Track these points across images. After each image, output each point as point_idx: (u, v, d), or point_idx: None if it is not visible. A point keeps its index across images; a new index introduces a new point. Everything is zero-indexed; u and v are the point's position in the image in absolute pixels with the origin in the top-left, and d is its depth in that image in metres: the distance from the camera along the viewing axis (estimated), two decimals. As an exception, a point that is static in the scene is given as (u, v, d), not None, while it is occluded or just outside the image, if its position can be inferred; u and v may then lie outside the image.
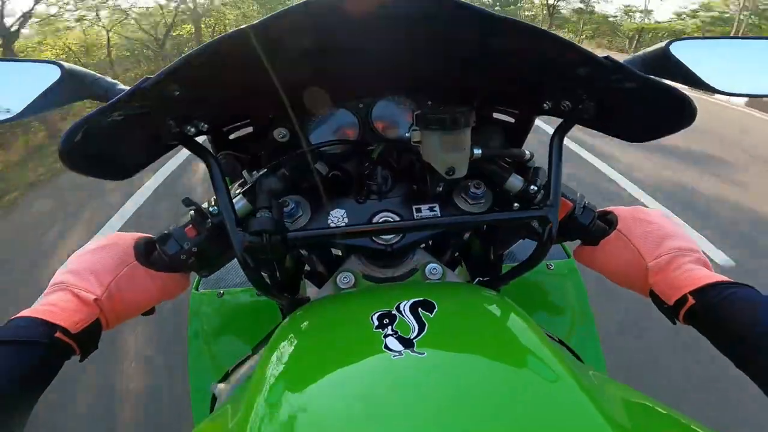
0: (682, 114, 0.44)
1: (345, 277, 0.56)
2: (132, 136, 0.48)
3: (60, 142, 0.41)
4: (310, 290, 0.73)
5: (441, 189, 0.54)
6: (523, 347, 0.39)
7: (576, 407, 0.32)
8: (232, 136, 0.63)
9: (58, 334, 0.40)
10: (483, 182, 0.56)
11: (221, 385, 0.58)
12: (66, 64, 0.54)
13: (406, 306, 0.42)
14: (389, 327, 0.39)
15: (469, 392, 0.32)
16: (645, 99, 0.46)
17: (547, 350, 0.38)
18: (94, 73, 0.56)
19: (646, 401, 0.38)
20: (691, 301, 0.44)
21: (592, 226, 0.54)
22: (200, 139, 0.57)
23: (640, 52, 0.55)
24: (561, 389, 0.34)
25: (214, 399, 0.60)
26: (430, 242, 0.70)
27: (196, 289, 0.81)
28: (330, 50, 0.49)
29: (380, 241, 0.54)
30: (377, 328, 0.40)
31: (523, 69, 0.51)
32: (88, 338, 0.44)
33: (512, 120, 0.63)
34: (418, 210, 0.55)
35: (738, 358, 0.41)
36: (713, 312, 0.42)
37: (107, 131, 0.44)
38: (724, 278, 0.45)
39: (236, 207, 0.52)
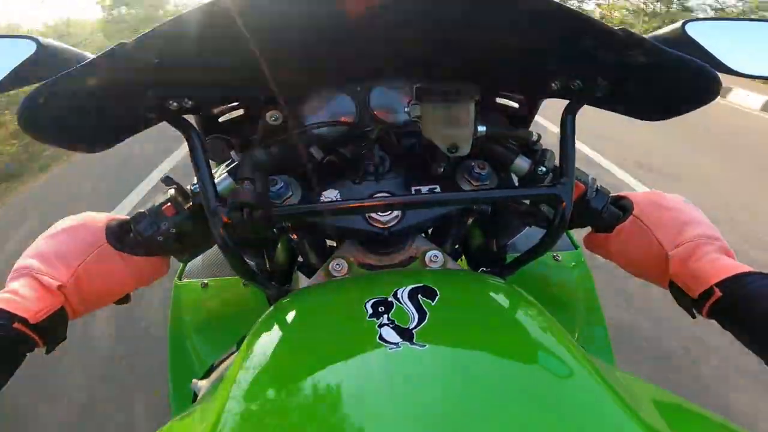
0: (704, 88, 0.41)
1: (338, 264, 0.52)
2: (107, 105, 0.44)
3: (20, 104, 0.37)
4: (303, 283, 0.69)
5: (442, 169, 0.51)
6: (534, 339, 0.36)
7: (593, 402, 0.28)
8: (221, 119, 0.60)
9: (16, 325, 0.37)
10: (488, 163, 0.52)
11: (203, 382, 0.54)
12: (43, 39, 0.51)
13: (404, 293, 0.38)
14: (385, 316, 0.35)
15: (476, 390, 0.29)
16: (663, 74, 0.42)
17: (560, 342, 0.34)
18: (73, 48, 0.52)
19: (665, 396, 0.34)
20: (717, 293, 0.40)
21: (605, 212, 0.51)
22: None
23: (655, 33, 0.52)
24: (576, 384, 0.30)
25: (195, 397, 0.56)
26: (430, 231, 0.66)
27: (179, 279, 0.76)
28: (327, 30, 0.46)
29: (376, 224, 0.50)
30: (371, 316, 0.36)
31: (531, 46, 0.48)
32: (51, 329, 0.41)
33: (516, 105, 0.60)
34: (418, 192, 0.51)
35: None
36: (741, 305, 0.39)
37: (78, 97, 0.40)
38: (750, 268, 0.42)
39: (221, 186, 0.48)
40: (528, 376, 0.31)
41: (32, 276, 0.41)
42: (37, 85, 0.50)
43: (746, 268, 0.41)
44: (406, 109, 0.47)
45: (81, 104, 0.41)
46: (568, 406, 0.28)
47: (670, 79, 0.43)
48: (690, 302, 0.44)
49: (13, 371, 0.38)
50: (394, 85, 0.58)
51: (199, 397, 0.53)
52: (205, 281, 0.74)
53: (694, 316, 0.45)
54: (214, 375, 0.55)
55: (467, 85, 0.43)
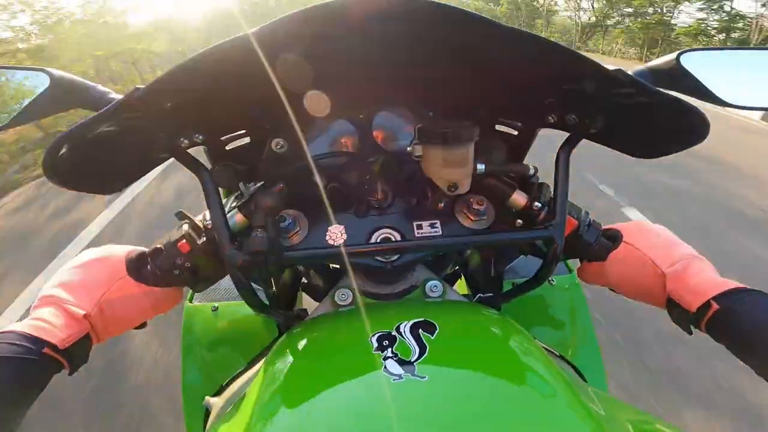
0: (694, 129, 0.43)
1: (343, 294, 0.54)
2: (122, 149, 0.46)
3: (44, 157, 0.39)
4: (307, 302, 0.71)
5: (442, 205, 0.53)
6: (526, 370, 0.38)
7: (578, 426, 0.31)
8: (228, 147, 0.61)
9: (46, 350, 0.40)
10: (485, 197, 0.54)
11: (215, 399, 0.57)
12: (55, 72, 0.52)
13: (406, 327, 0.41)
14: (389, 349, 0.38)
15: (472, 418, 0.31)
16: (656, 113, 0.44)
17: (551, 373, 0.37)
18: (84, 80, 0.54)
19: (650, 421, 0.37)
20: (714, 306, 0.43)
21: (597, 244, 0.53)
22: (197, 148, 0.55)
23: (650, 63, 0.53)
24: (566, 414, 0.33)
25: (207, 413, 0.58)
26: (431, 257, 0.68)
27: (190, 302, 0.79)
28: (330, 59, 0.47)
29: (380, 258, 0.53)
30: (377, 350, 0.39)
31: (528, 80, 0.50)
32: (77, 353, 0.44)
33: (515, 132, 0.61)
34: (419, 227, 0.53)
35: (761, 366, 0.40)
36: (737, 319, 0.41)
37: (95, 144, 0.42)
38: (741, 284, 0.44)
39: (231, 221, 0.51)
40: (518, 405, 0.33)
41: (59, 305, 0.44)
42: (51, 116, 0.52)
43: (737, 284, 0.44)
44: (408, 149, 0.48)
45: (98, 151, 0.44)
46: (551, 427, 0.31)
47: (662, 119, 0.44)
48: (687, 317, 0.46)
49: (40, 392, 0.40)
50: (395, 113, 0.59)
51: (211, 414, 0.56)
52: (216, 305, 0.77)
53: (690, 332, 0.48)
54: (225, 393, 0.57)
55: (468, 128, 0.45)
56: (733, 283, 0.44)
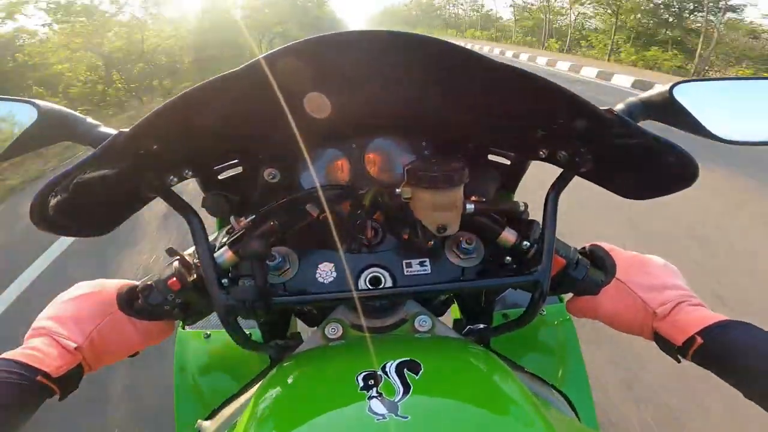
0: (684, 173, 0.43)
1: (333, 328, 0.54)
2: (109, 192, 0.46)
3: (31, 205, 0.39)
4: (301, 325, 0.71)
5: (432, 243, 0.53)
6: (508, 409, 0.39)
7: None
8: (221, 177, 0.61)
9: (39, 378, 0.42)
10: (475, 235, 0.54)
11: (207, 423, 0.58)
12: (42, 104, 0.52)
13: (392, 366, 0.41)
14: (374, 389, 0.39)
15: None
16: (647, 155, 0.44)
17: (533, 412, 0.37)
18: (73, 112, 0.53)
19: None
20: (699, 341, 0.45)
21: (584, 280, 0.53)
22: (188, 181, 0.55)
23: (642, 95, 0.52)
24: None
25: None
26: None
27: (183, 328, 0.80)
28: (322, 90, 0.47)
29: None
30: (362, 389, 0.39)
31: (520, 116, 0.49)
32: (69, 381, 0.45)
33: (508, 162, 0.60)
34: (409, 265, 0.53)
35: (749, 392, 0.42)
36: (721, 349, 0.44)
37: (81, 189, 0.42)
38: (726, 317, 0.46)
39: (221, 259, 0.51)
40: None
41: (51, 337, 0.45)
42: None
43: (721, 317, 0.46)
44: (398, 190, 0.49)
45: (85, 195, 0.44)
46: None
47: (651, 161, 0.44)
48: (675, 349, 0.48)
49: (31, 416, 0.42)
50: (387, 143, 0.59)
51: None
52: (208, 332, 0.78)
53: (679, 361, 0.49)
54: (217, 417, 0.58)
55: (458, 171, 0.45)
56: (717, 317, 0.46)
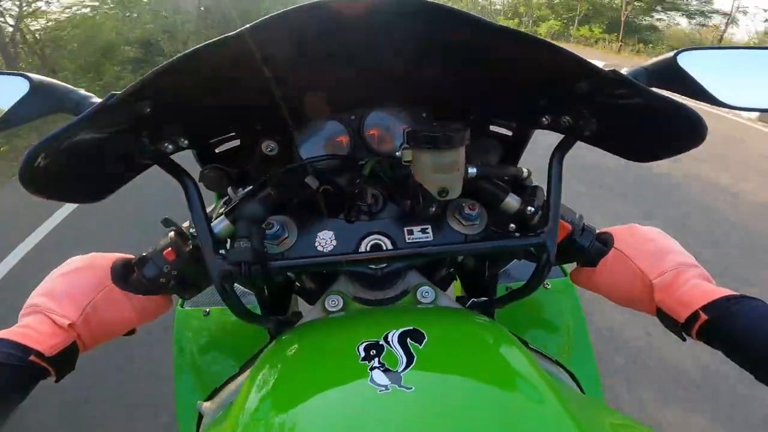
0: (692, 133, 0.42)
1: (333, 300, 0.53)
2: (102, 157, 0.45)
3: (20, 167, 0.38)
4: (303, 304, 0.71)
5: (433, 209, 0.52)
6: (515, 381, 0.38)
7: None
8: (218, 150, 0.60)
9: (32, 358, 0.40)
10: (478, 202, 0.53)
11: (208, 404, 0.57)
12: (34, 76, 0.51)
13: (394, 336, 0.40)
14: (376, 359, 0.38)
15: (457, 430, 0.31)
16: (652, 116, 0.43)
17: (541, 384, 0.36)
18: (65, 84, 0.52)
19: (638, 427, 0.37)
20: (703, 317, 0.43)
21: (591, 248, 0.52)
22: (185, 153, 0.54)
23: (646, 63, 0.52)
24: (556, 425, 0.32)
25: (200, 417, 0.58)
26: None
27: (182, 306, 0.78)
28: (320, 58, 0.46)
29: (370, 266, 0.52)
30: (363, 359, 0.38)
31: (522, 81, 0.48)
32: (64, 360, 0.44)
33: (509, 133, 0.60)
34: (410, 232, 0.52)
35: (758, 373, 0.40)
36: (727, 327, 0.42)
37: (73, 152, 0.41)
38: (731, 291, 0.44)
39: (218, 228, 0.50)
40: (505, 416, 0.33)
41: (44, 314, 0.44)
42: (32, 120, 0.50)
43: (727, 292, 0.44)
44: (397, 153, 0.47)
45: (77, 159, 0.42)
46: None
47: (657, 122, 0.43)
48: (678, 326, 0.46)
49: (24, 397, 0.41)
50: (387, 113, 0.58)
51: (204, 419, 0.55)
52: (207, 310, 0.77)
53: (684, 339, 0.48)
54: (218, 397, 0.57)
55: (458, 132, 0.44)
56: (723, 291, 0.44)
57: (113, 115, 0.40)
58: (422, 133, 0.44)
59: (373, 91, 0.56)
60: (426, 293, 0.53)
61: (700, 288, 0.45)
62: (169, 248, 0.49)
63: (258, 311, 0.69)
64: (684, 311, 0.45)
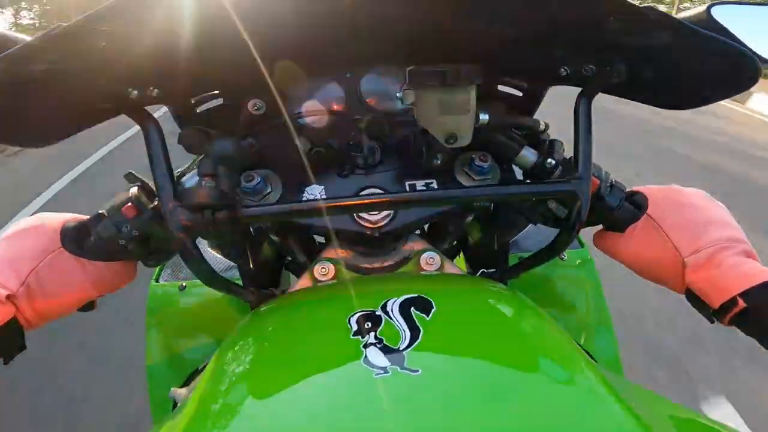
0: (740, 73, 0.37)
1: (324, 268, 0.47)
2: (52, 97, 0.39)
3: None
4: (293, 283, 0.64)
5: (439, 162, 0.46)
6: (541, 356, 0.31)
7: (600, 419, 0.25)
8: (199, 109, 0.54)
9: None
10: (490, 155, 0.47)
11: (182, 391, 0.50)
12: None
13: (395, 305, 0.34)
14: (372, 333, 0.31)
15: (481, 424, 0.24)
16: (692, 57, 0.38)
17: (569, 357, 0.31)
18: (19, 35, 0.46)
19: (674, 408, 0.32)
20: (741, 304, 0.37)
21: (620, 209, 0.46)
22: (163, 111, 0.48)
23: (677, 16, 0.48)
24: (606, 411, 0.26)
25: (175, 405, 0.52)
26: (426, 229, 0.61)
27: (156, 281, 0.71)
28: (314, 11, 0.41)
29: (366, 224, 0.46)
30: (356, 334, 0.31)
31: (536, 29, 0.43)
32: (5, 341, 0.38)
33: (520, 93, 0.54)
34: (413, 187, 0.46)
35: None
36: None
37: (20, 86, 0.35)
38: None
39: (189, 183, 0.44)
40: (538, 402, 0.26)
41: None
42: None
43: None
44: (398, 94, 0.42)
45: (23, 95, 0.36)
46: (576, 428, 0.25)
47: (700, 63, 0.38)
48: (710, 311, 0.41)
49: None
50: (386, 71, 0.52)
51: (178, 406, 0.49)
52: (183, 284, 0.69)
53: (712, 321, 0.42)
54: (194, 383, 0.50)
55: (467, 66, 0.38)
56: (766, 273, 0.38)
57: (59, 46, 0.34)
58: (428, 69, 0.38)
59: (371, 47, 0.51)
60: (431, 259, 0.47)
61: (740, 269, 0.39)
62: (129, 204, 0.42)
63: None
64: (719, 296, 0.39)
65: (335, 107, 0.52)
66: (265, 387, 0.30)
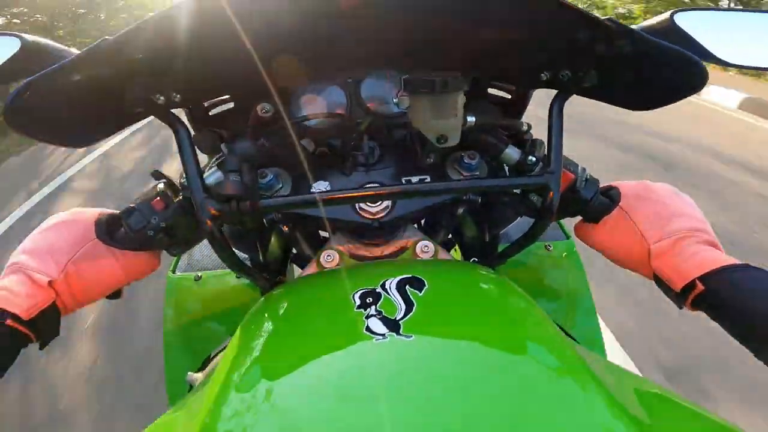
0: (690, 78, 0.42)
1: (329, 256, 0.52)
2: (92, 101, 0.44)
3: (6, 102, 0.37)
4: (297, 274, 0.70)
5: (432, 160, 0.51)
6: (521, 330, 0.36)
7: (578, 392, 0.29)
8: (212, 112, 0.60)
9: (9, 322, 0.37)
10: (477, 153, 0.52)
11: (197, 375, 0.55)
12: (27, 36, 0.51)
13: (392, 284, 0.39)
14: (372, 307, 0.36)
15: (461, 380, 0.29)
16: (650, 64, 0.43)
17: (547, 333, 0.35)
18: (56, 44, 0.52)
19: (649, 387, 0.35)
20: (699, 287, 0.41)
21: (595, 201, 0.51)
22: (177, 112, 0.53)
23: (642, 24, 0.52)
24: (562, 374, 0.30)
25: (191, 389, 0.56)
26: (423, 222, 0.66)
27: (173, 272, 0.77)
28: (317, 20, 0.46)
29: (366, 215, 0.51)
30: (359, 307, 0.36)
31: (520, 37, 0.48)
32: (44, 324, 0.41)
33: (508, 96, 0.59)
34: (408, 182, 0.51)
35: (756, 348, 0.38)
36: (725, 298, 0.39)
37: (63, 94, 0.40)
38: (734, 260, 0.42)
39: (210, 179, 0.48)
40: (513, 366, 0.31)
41: (23, 272, 0.42)
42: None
43: (729, 261, 0.42)
44: (395, 100, 0.47)
45: (65, 100, 0.41)
46: (554, 397, 0.28)
47: (656, 69, 0.43)
48: (674, 295, 0.45)
49: (8, 367, 0.39)
50: (384, 76, 0.58)
51: (194, 389, 0.54)
52: (199, 274, 0.75)
53: (681, 307, 0.46)
54: (209, 368, 0.55)
55: (455, 77, 0.43)
56: (725, 260, 0.42)
57: (105, 59, 0.39)
58: (420, 78, 0.44)
59: (369, 55, 0.56)
60: (426, 247, 0.52)
61: (701, 256, 0.43)
62: (158, 197, 0.48)
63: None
64: (680, 280, 0.43)
65: (337, 110, 0.57)
66: (280, 360, 0.34)
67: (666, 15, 0.51)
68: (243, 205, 0.44)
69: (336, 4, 0.38)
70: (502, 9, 0.43)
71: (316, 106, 0.57)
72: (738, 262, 0.41)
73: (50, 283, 0.42)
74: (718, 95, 5.18)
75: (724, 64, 0.49)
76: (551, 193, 0.46)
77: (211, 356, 0.58)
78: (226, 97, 0.58)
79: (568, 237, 0.77)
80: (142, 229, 0.47)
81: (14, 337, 0.38)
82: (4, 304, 0.38)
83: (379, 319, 0.34)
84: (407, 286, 0.38)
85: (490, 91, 0.59)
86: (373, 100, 0.57)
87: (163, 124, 0.47)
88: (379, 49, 0.54)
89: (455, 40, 0.51)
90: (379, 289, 0.38)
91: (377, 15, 0.46)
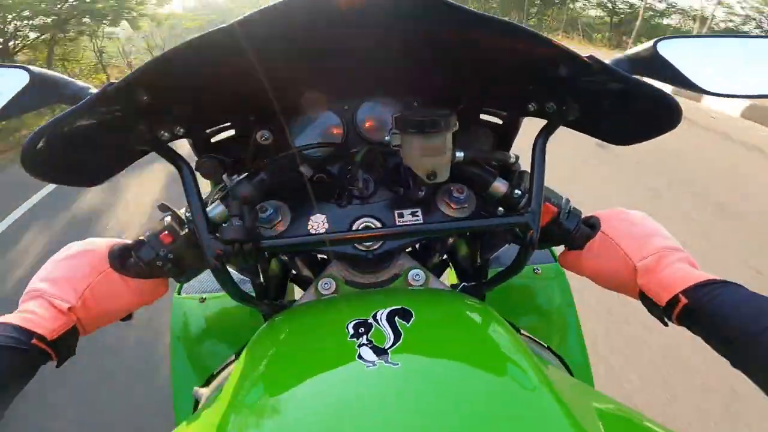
0: (667, 116, 0.44)
1: (326, 284, 0.55)
2: (100, 142, 0.46)
3: (22, 150, 0.39)
4: (298, 293, 0.72)
5: (423, 193, 0.53)
6: (501, 360, 0.39)
7: (555, 423, 0.31)
8: (213, 139, 0.62)
9: (34, 341, 0.41)
10: (466, 186, 0.55)
11: (203, 390, 0.58)
12: (35, 69, 0.53)
13: (383, 315, 0.42)
14: (364, 336, 0.39)
15: (442, 405, 0.32)
16: (630, 100, 0.45)
17: (527, 363, 0.37)
18: (64, 76, 0.54)
19: (631, 416, 0.37)
20: (683, 300, 0.43)
21: (577, 231, 0.53)
22: (181, 142, 0.55)
23: (627, 52, 0.54)
24: (540, 405, 0.33)
25: (197, 404, 0.59)
26: (417, 246, 0.69)
27: (179, 293, 0.80)
28: (314, 49, 0.48)
29: (361, 247, 0.53)
30: (352, 337, 0.39)
31: (508, 69, 0.50)
32: (65, 344, 0.45)
33: (500, 121, 0.61)
34: (401, 215, 0.54)
35: (735, 359, 0.40)
36: (707, 311, 0.42)
37: (73, 138, 0.43)
38: (714, 277, 0.44)
39: (213, 213, 0.51)
40: (490, 394, 0.34)
41: (44, 298, 0.45)
42: (30, 113, 0.52)
43: (709, 276, 0.44)
44: (387, 138, 0.49)
45: (77, 144, 0.44)
46: (519, 419, 0.31)
47: (635, 106, 0.45)
48: (659, 310, 0.47)
49: (28, 381, 0.42)
50: (380, 104, 0.59)
51: (200, 404, 0.57)
52: (204, 296, 0.78)
53: (666, 324, 0.48)
54: (214, 383, 0.58)
55: (445, 116, 0.45)
56: (705, 276, 0.44)
57: (111, 103, 0.42)
58: (410, 118, 0.46)
59: (365, 82, 0.58)
60: (417, 276, 0.55)
61: (682, 272, 0.45)
62: (165, 232, 0.50)
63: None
64: (665, 295, 0.45)
65: (334, 138, 0.59)
66: (282, 380, 0.37)
67: (650, 44, 0.52)
68: (246, 247, 0.47)
69: (336, 5, 0.39)
70: (493, 44, 0.45)
71: (313, 132, 0.59)
72: (717, 278, 0.44)
73: (70, 308, 0.46)
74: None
75: (706, 93, 0.50)
76: (531, 231, 0.49)
77: (215, 372, 0.60)
78: (228, 124, 0.60)
79: (556, 260, 0.79)
80: (151, 261, 0.50)
81: (38, 355, 0.42)
82: (31, 325, 0.42)
83: (370, 348, 0.37)
84: (396, 317, 0.41)
85: (483, 116, 0.61)
86: (369, 127, 0.59)
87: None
88: (374, 78, 0.56)
89: (448, 69, 0.53)
90: (370, 320, 0.41)
91: (372, 47, 0.48)
